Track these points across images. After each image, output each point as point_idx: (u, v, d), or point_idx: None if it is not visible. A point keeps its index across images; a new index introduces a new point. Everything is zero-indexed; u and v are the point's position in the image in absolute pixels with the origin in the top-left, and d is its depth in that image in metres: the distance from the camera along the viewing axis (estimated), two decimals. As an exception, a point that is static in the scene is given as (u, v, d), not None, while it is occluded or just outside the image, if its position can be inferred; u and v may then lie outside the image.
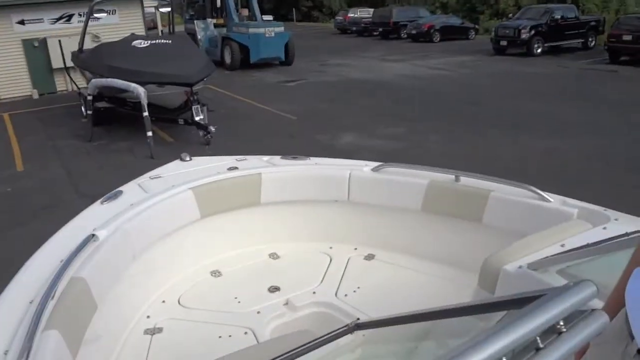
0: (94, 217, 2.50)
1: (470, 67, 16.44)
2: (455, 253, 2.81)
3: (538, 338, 0.83)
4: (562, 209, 2.42)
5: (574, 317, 0.87)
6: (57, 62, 12.70)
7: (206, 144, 8.48)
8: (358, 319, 1.37)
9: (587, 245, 1.87)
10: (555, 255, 1.86)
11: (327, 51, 21.93)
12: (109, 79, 8.28)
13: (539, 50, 18.39)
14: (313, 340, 1.25)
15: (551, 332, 0.85)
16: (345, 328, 1.31)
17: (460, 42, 24.09)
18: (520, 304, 0.92)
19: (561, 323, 0.86)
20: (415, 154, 7.79)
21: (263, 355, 1.22)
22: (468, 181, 2.78)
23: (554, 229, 2.13)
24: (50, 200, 6.53)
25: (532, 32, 18.25)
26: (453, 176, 2.83)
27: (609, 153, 7.39)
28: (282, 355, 1.17)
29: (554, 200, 2.49)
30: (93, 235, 2.25)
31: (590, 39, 19.76)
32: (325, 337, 1.26)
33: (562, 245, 1.98)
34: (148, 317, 2.51)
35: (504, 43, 18.89)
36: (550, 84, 13.10)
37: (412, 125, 9.42)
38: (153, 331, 2.39)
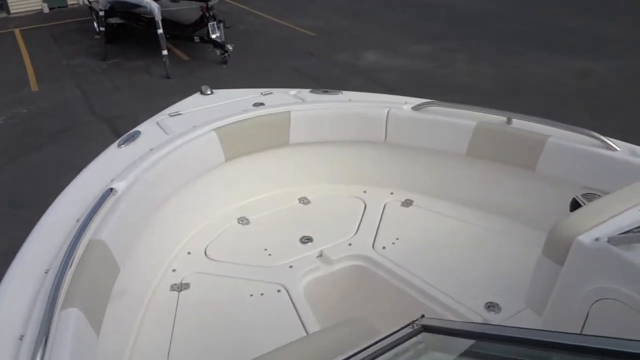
0: (110, 163, 2.32)
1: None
2: (505, 202, 2.58)
3: None
4: (632, 161, 2.13)
5: None
6: (66, -26, 12.18)
7: (223, 63, 8.18)
8: (423, 315, 1.19)
9: None
10: None
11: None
12: (121, -7, 7.90)
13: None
14: (376, 343, 1.08)
15: None
16: (410, 330, 1.14)
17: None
18: None
19: None
20: (442, 73, 7.43)
21: (315, 351, 1.07)
22: (521, 124, 2.50)
23: (629, 189, 1.80)
24: (67, 122, 6.40)
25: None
26: (505, 118, 2.54)
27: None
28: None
29: (621, 149, 2.20)
30: (111, 189, 2.07)
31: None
32: (390, 342, 1.09)
33: None
34: (174, 270, 2.37)
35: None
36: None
37: (440, 42, 8.95)
38: (180, 287, 2.26)
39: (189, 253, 2.49)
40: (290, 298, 2.15)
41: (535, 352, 0.98)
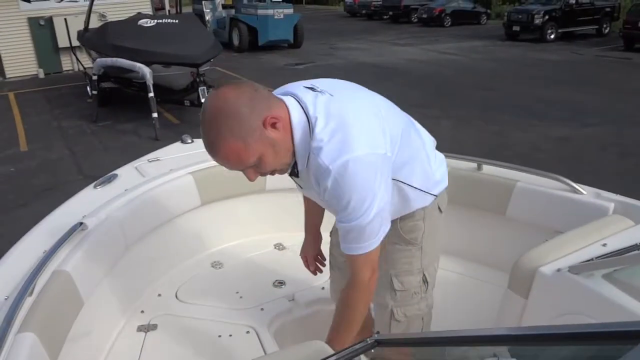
0: (84, 202, 2.32)
1: (482, 52, 16.16)
2: (476, 248, 2.62)
3: None
4: (597, 203, 2.19)
5: None
6: (63, 41, 12.54)
7: (212, 127, 8.34)
8: (378, 332, 1.21)
9: (637, 247, 1.68)
10: (601, 257, 1.66)
11: (337, 34, 21.65)
12: (114, 59, 8.13)
13: (552, 36, 18.05)
14: (328, 357, 1.09)
15: None
16: (363, 344, 1.15)
17: (472, 27, 23.72)
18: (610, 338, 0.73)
19: None
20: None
21: None
22: (491, 170, 2.57)
23: (592, 226, 1.91)
24: (54, 181, 6.43)
25: (546, 17, 17.89)
26: (475, 164, 2.61)
27: (623, 143, 7.20)
28: None
29: (586, 193, 2.27)
30: (81, 223, 2.06)
31: (604, 26, 19.35)
32: (340, 357, 1.10)
33: (604, 245, 1.78)
34: (142, 312, 2.33)
35: (516, 28, 18.55)
36: (564, 71, 12.84)
37: (423, 110, 9.22)
38: (147, 328, 2.21)
39: (159, 295, 2.46)
40: (260, 340, 2.12)
41: (484, 349, 1.01)
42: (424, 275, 1.79)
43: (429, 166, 1.71)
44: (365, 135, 1.41)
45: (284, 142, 1.42)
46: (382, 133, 1.45)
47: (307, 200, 2.00)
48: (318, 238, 2.10)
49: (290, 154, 1.46)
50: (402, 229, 1.73)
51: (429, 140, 1.79)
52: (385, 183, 1.46)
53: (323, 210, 2.01)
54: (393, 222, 1.68)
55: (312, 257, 2.11)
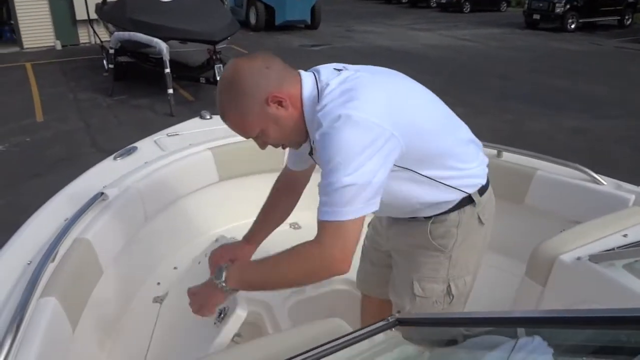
0: (105, 173, 2.36)
1: (500, 40, 15.96)
2: (492, 235, 2.64)
3: None
4: (617, 194, 2.17)
5: None
6: (81, 14, 12.56)
7: (226, 105, 8.35)
8: (399, 311, 1.23)
9: None
10: (622, 247, 1.64)
11: (354, 17, 21.46)
12: (132, 33, 8.15)
13: (572, 26, 17.75)
14: (346, 335, 1.11)
15: None
16: (384, 323, 1.16)
17: (491, 13, 23.40)
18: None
19: None
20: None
21: (288, 345, 1.08)
22: (511, 157, 2.55)
23: (613, 216, 1.90)
24: (68, 152, 6.50)
25: (567, 6, 17.57)
26: (495, 151, 2.58)
27: (638, 136, 7.12)
28: (309, 350, 1.03)
29: (607, 184, 2.25)
30: (102, 193, 2.09)
31: (626, 17, 19.00)
32: (360, 334, 1.11)
33: (625, 236, 1.75)
34: (158, 284, 2.37)
35: (536, 17, 18.26)
36: (583, 61, 12.66)
37: (438, 96, 9.18)
38: (162, 299, 2.25)
39: (175, 268, 2.49)
40: (273, 316, 2.14)
41: (503, 330, 1.03)
42: (449, 285, 1.67)
43: (461, 164, 1.60)
44: (371, 105, 1.33)
45: (291, 119, 1.43)
46: (392, 111, 1.37)
47: (272, 198, 2.01)
48: (252, 250, 1.96)
49: (300, 132, 1.47)
50: (431, 234, 1.61)
51: (468, 139, 1.70)
52: (382, 159, 1.32)
53: (283, 217, 2.02)
54: (422, 224, 1.62)
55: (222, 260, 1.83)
